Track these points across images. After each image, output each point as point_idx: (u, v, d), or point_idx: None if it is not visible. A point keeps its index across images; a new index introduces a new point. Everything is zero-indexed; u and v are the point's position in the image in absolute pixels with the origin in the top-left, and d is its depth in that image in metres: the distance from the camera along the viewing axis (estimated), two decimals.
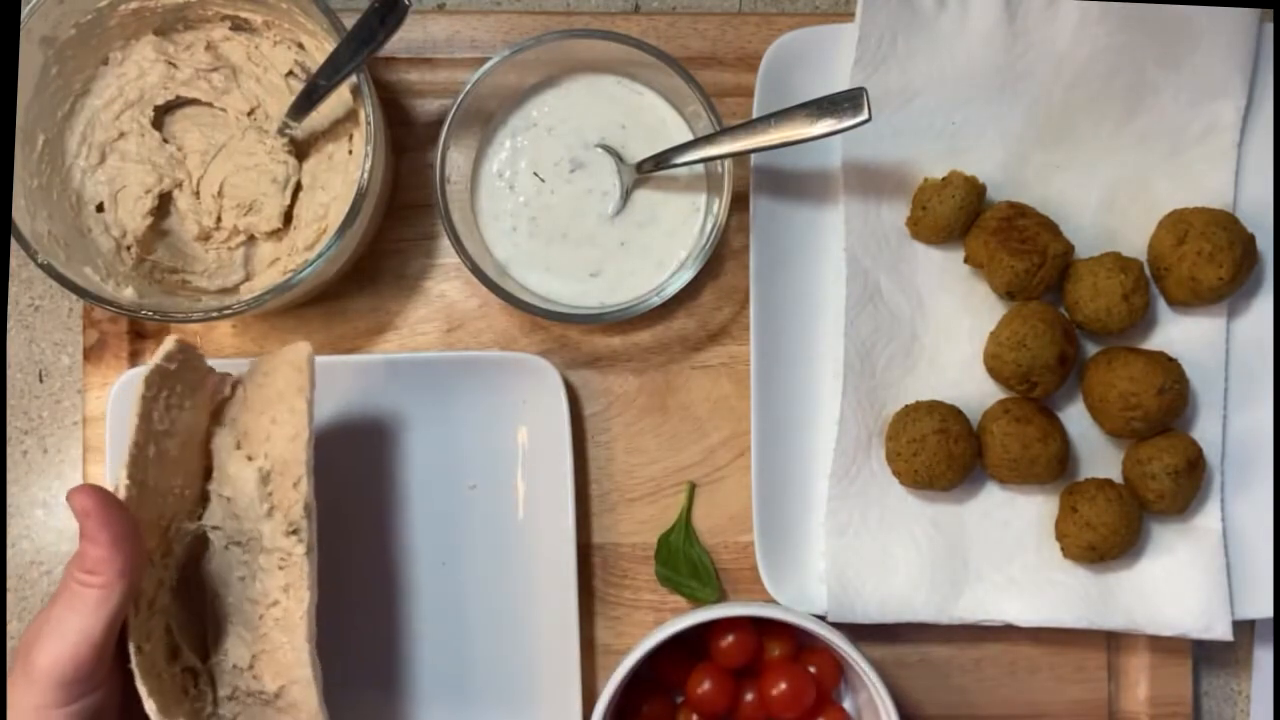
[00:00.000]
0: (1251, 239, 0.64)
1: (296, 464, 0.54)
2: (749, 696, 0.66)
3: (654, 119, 0.66)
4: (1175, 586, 0.65)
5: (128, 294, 0.61)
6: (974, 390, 0.67)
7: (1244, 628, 0.70)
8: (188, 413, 0.55)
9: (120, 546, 0.47)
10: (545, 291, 0.66)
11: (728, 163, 0.62)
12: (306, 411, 0.55)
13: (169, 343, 0.54)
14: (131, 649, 0.49)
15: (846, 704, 0.67)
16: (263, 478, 0.54)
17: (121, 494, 0.50)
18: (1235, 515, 0.67)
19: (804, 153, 0.65)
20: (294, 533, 0.54)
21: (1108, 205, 0.67)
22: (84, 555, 0.47)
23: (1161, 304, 0.67)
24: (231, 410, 0.57)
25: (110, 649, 0.48)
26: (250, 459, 0.55)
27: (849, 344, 0.66)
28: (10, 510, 0.69)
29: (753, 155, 0.66)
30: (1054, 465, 0.64)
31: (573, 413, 0.66)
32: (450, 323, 0.69)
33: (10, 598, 0.69)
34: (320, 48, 0.64)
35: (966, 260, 0.67)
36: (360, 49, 0.59)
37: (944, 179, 0.65)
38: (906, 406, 0.65)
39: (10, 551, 0.70)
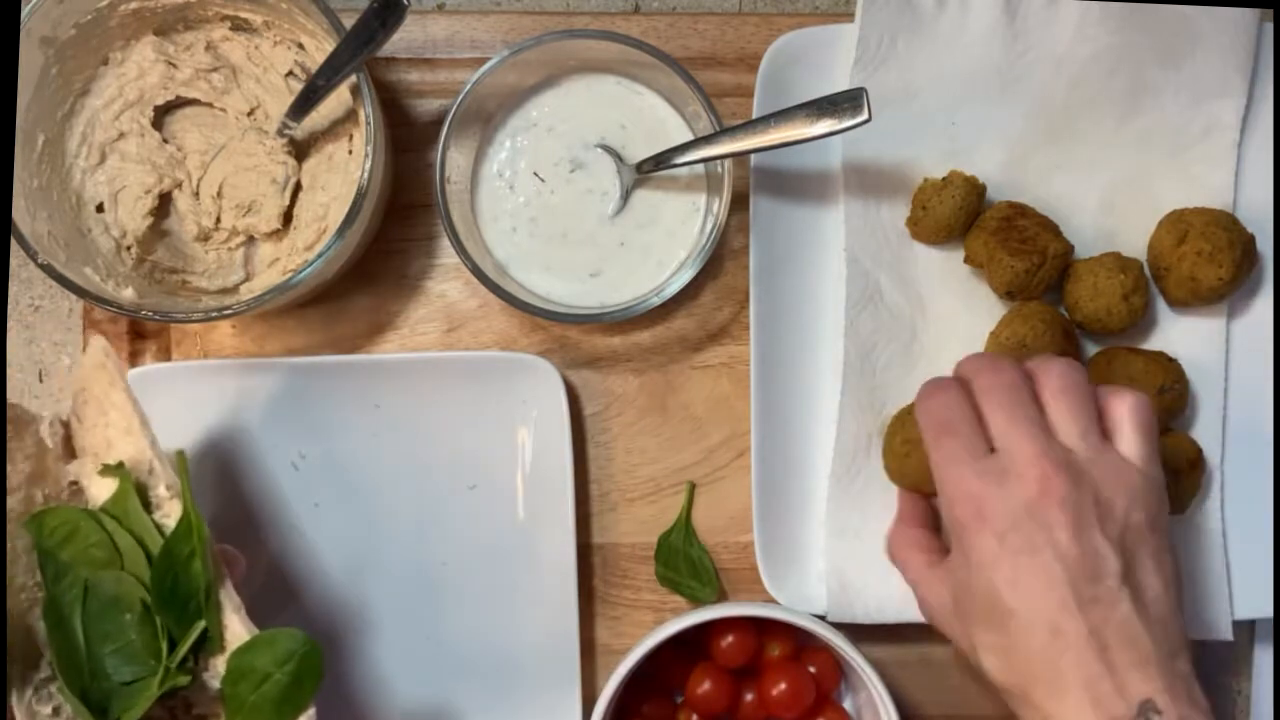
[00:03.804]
0: (1251, 239, 0.64)
1: (141, 454, 0.53)
2: (749, 696, 0.66)
3: (654, 119, 0.66)
4: None
5: (128, 294, 0.61)
6: None
7: (1244, 628, 0.70)
8: (20, 464, 0.53)
9: None
10: (545, 291, 0.66)
11: (728, 163, 0.62)
12: (128, 401, 0.53)
13: None
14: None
15: (846, 704, 0.67)
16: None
17: None
18: (1235, 515, 0.67)
19: (804, 153, 0.65)
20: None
21: (1108, 205, 0.67)
22: None
23: (1161, 304, 0.67)
24: (77, 441, 0.55)
25: None
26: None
27: (849, 344, 0.66)
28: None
29: (753, 155, 0.65)
30: None
31: (573, 413, 0.66)
32: (450, 323, 0.69)
33: None
34: (320, 48, 0.64)
35: (966, 260, 0.66)
36: (360, 49, 0.59)
37: (944, 179, 0.65)
38: (904, 408, 0.65)
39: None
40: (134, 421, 0.53)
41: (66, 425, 0.55)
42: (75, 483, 0.54)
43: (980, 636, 0.52)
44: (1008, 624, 0.50)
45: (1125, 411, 0.53)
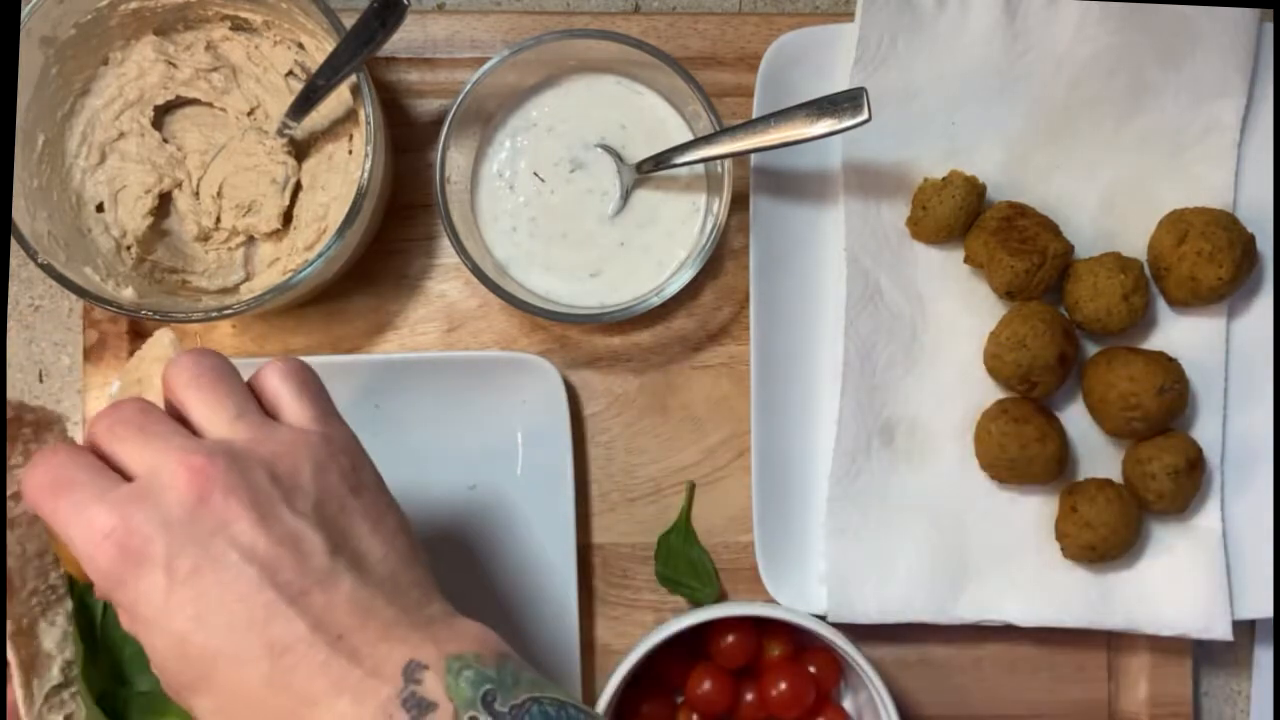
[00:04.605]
0: (1251, 239, 0.64)
1: None
2: (749, 696, 0.66)
3: (654, 119, 0.66)
4: (1175, 586, 0.65)
5: (128, 294, 0.61)
6: (974, 390, 0.67)
7: (1244, 628, 0.70)
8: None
9: None
10: (545, 291, 0.66)
11: (728, 163, 0.62)
12: None
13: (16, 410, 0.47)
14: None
15: (846, 704, 0.67)
16: None
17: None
18: (1235, 515, 0.67)
19: (804, 153, 0.65)
20: None
21: (1108, 205, 0.67)
22: None
23: (1161, 304, 0.67)
24: None
25: None
26: None
27: (849, 344, 0.66)
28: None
29: (753, 155, 0.66)
30: (1051, 465, 0.64)
31: (573, 413, 0.66)
32: (450, 323, 0.69)
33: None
34: (320, 48, 0.64)
35: (966, 260, 0.67)
36: (360, 49, 0.59)
37: (944, 179, 0.65)
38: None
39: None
40: None
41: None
42: None
43: (199, 706, 0.41)
44: (216, 673, 0.40)
45: (277, 381, 0.45)
